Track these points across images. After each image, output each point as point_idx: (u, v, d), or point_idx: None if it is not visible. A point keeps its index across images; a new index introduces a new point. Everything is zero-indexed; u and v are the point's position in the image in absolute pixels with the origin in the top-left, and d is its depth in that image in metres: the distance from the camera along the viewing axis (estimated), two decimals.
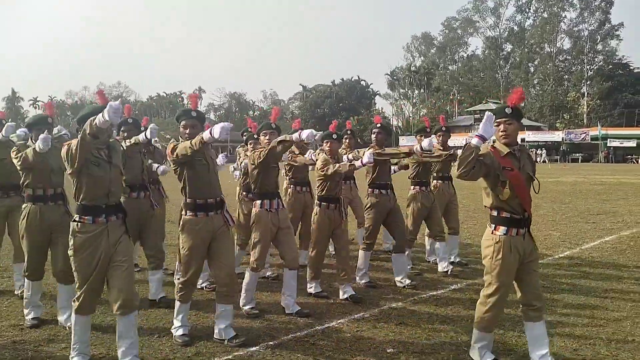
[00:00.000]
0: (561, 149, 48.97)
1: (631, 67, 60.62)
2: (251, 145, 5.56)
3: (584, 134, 48.87)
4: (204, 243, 3.81)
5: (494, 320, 3.39)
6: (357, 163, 4.63)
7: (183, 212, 3.86)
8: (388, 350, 3.73)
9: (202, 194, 3.81)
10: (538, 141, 50.27)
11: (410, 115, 70.60)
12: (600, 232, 8.66)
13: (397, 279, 5.43)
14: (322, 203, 4.91)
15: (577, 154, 47.27)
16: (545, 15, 66.77)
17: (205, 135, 3.40)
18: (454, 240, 6.43)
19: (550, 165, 39.05)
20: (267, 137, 4.47)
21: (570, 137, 48.99)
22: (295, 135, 4.19)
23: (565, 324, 4.24)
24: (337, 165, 4.74)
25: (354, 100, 73.04)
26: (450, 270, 5.83)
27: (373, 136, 5.48)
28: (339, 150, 5.39)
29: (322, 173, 4.78)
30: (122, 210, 3.43)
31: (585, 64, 64.23)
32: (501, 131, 3.31)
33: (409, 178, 5.94)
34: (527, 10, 69.61)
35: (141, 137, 4.61)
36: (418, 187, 5.87)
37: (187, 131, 3.84)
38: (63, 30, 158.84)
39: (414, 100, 75.30)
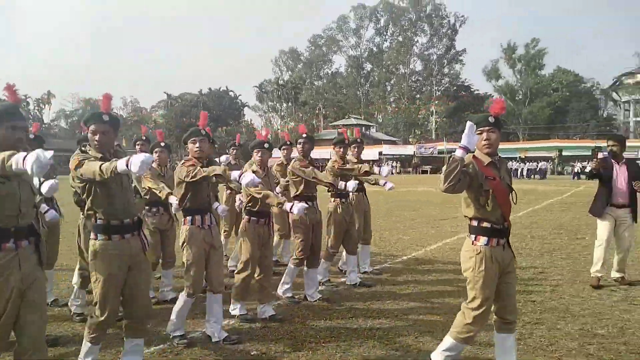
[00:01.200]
0: (413, 162, 53.61)
1: (472, 90, 69.18)
2: (157, 154, 5.30)
3: (432, 148, 54.15)
4: (122, 272, 3.27)
5: (474, 335, 3.21)
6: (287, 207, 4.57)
7: (93, 237, 3.30)
8: (252, 353, 3.88)
9: (117, 214, 3.28)
10: (393, 154, 54.61)
11: (279, 128, 71.97)
12: (442, 235, 9.79)
13: (308, 293, 5.33)
14: (252, 218, 4.68)
15: (427, 167, 52.12)
16: (400, 38, 73.15)
17: (120, 166, 2.80)
18: (365, 250, 6.55)
19: (403, 176, 42.61)
20: (196, 145, 4.12)
21: (421, 151, 53.88)
22: (234, 175, 3.88)
23: (410, 311, 4.82)
24: None
25: (223, 111, 72.41)
26: (359, 282, 5.85)
27: (299, 146, 5.33)
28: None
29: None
30: (35, 233, 2.81)
31: (434, 85, 71.60)
32: (484, 140, 3.19)
33: (328, 191, 5.75)
34: (385, 33, 75.65)
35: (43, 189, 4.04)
36: (338, 199, 5.73)
37: (97, 138, 3.26)
38: (63, 29, 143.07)
39: (282, 114, 77.09)
